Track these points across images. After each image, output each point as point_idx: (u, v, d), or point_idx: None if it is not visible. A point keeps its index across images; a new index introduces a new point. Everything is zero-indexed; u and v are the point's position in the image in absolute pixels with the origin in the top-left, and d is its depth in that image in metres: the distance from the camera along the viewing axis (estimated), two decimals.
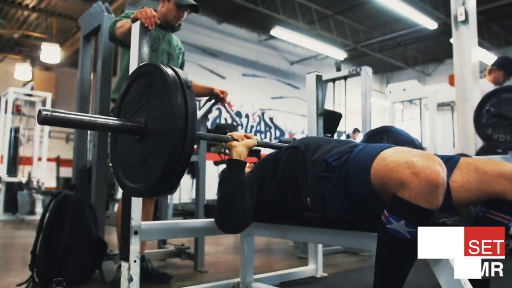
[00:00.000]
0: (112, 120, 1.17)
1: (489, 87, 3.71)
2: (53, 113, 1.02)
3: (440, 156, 1.24)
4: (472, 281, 1.07)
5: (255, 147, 1.59)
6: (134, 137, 1.19)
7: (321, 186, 1.26)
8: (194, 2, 2.18)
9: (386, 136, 2.27)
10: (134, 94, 1.24)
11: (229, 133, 1.55)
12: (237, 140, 1.52)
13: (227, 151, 1.56)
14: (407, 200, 0.97)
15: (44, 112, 1.00)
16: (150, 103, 1.17)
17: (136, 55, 1.63)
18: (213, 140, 1.56)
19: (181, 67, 2.38)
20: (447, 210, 1.24)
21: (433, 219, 1.06)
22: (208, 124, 2.53)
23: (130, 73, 1.37)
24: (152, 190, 1.13)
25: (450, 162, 1.28)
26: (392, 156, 1.06)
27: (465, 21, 3.72)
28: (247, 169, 1.68)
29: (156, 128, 1.13)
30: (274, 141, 10.59)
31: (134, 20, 1.70)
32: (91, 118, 1.12)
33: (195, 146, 2.79)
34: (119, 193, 5.49)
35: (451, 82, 7.64)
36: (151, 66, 1.21)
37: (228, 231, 1.55)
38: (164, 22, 2.18)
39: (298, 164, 1.38)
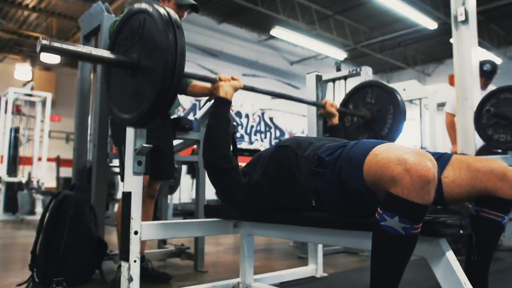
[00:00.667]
0: (107, 54, 1.26)
1: None
2: (52, 43, 1.11)
3: (432, 153, 1.25)
4: (472, 281, 1.08)
5: (253, 147, 1.61)
6: (126, 72, 1.28)
7: (314, 181, 1.28)
8: (194, 2, 2.18)
9: (371, 90, 2.28)
10: (127, 32, 1.33)
11: (217, 75, 1.68)
12: (224, 81, 1.66)
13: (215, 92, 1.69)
14: (399, 196, 0.98)
15: (43, 42, 1.09)
16: (142, 40, 1.25)
17: None
18: (202, 80, 1.66)
19: None
20: (439, 205, 1.26)
21: (434, 218, 1.07)
22: None
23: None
24: (143, 118, 1.24)
25: (443, 158, 1.30)
26: (384, 153, 1.07)
27: (465, 21, 3.72)
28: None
29: (148, 63, 1.22)
30: (274, 141, 10.50)
31: None
32: (87, 50, 1.21)
33: (194, 147, 2.79)
34: (119, 193, 5.49)
35: (451, 82, 7.65)
36: (144, 6, 1.28)
37: (209, 164, 1.58)
38: None
39: (291, 162, 1.39)
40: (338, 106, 2.30)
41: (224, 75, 1.71)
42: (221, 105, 1.62)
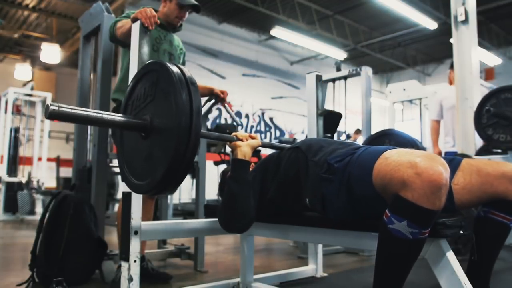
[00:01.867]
0: (118, 117, 1.18)
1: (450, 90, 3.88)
2: (61, 108, 1.04)
3: (442, 157, 1.24)
4: (472, 281, 1.08)
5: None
6: (139, 134, 1.20)
7: (322, 187, 1.26)
8: (195, 2, 2.18)
9: (388, 139, 2.25)
10: (140, 91, 1.25)
11: (234, 133, 1.57)
12: (241, 140, 1.54)
13: (229, 150, 1.57)
14: (409, 201, 0.96)
15: (51, 107, 1.02)
16: (155, 100, 1.18)
17: (136, 55, 1.63)
18: (218, 140, 1.57)
19: None
20: (449, 212, 1.25)
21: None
22: (208, 124, 2.53)
23: (135, 72, 1.37)
24: (157, 187, 1.14)
25: (452, 164, 1.28)
26: (394, 156, 1.05)
27: (465, 21, 3.72)
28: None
29: (162, 125, 1.14)
30: (274, 141, 10.48)
31: (134, 20, 1.70)
32: (98, 114, 1.14)
33: None
34: (119, 193, 5.49)
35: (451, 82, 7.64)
36: (157, 64, 1.22)
37: (232, 230, 1.54)
38: (166, 22, 2.18)
39: (300, 165, 1.38)
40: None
41: (241, 133, 1.59)
42: (241, 168, 1.50)
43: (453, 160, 1.30)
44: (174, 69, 1.14)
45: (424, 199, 0.95)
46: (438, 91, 4.12)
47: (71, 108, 1.07)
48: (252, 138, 1.57)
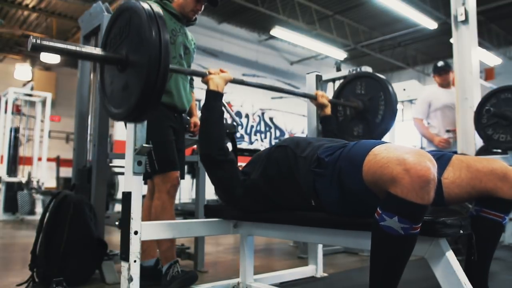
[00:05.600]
0: (96, 51, 1.30)
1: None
2: (42, 41, 1.14)
3: (433, 153, 1.25)
4: (472, 280, 1.08)
5: (253, 147, 1.60)
6: (117, 68, 1.32)
7: (314, 181, 1.28)
8: None
9: (360, 81, 2.27)
10: (116, 30, 1.37)
11: (206, 70, 1.69)
12: (213, 74, 1.66)
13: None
14: (399, 196, 0.98)
15: (33, 40, 1.12)
16: (130, 37, 1.29)
17: None
18: (191, 75, 1.65)
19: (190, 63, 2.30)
20: (439, 206, 1.26)
21: (434, 218, 1.07)
22: None
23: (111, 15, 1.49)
24: (132, 113, 1.27)
25: (443, 159, 1.29)
26: (383, 153, 1.07)
27: (465, 21, 3.72)
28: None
29: (135, 59, 1.26)
30: (274, 141, 10.42)
31: None
32: (77, 48, 1.25)
33: (194, 147, 2.79)
34: (119, 193, 5.49)
35: (451, 82, 7.64)
36: (130, 3, 1.33)
37: (203, 156, 1.59)
38: (181, 14, 2.13)
39: (290, 162, 1.39)
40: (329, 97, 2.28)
41: (213, 69, 1.71)
42: (213, 98, 1.62)
43: (444, 155, 1.31)
44: (145, 6, 1.25)
45: (413, 194, 0.97)
46: (426, 90, 4.09)
47: (52, 41, 1.17)
48: (223, 72, 1.70)
